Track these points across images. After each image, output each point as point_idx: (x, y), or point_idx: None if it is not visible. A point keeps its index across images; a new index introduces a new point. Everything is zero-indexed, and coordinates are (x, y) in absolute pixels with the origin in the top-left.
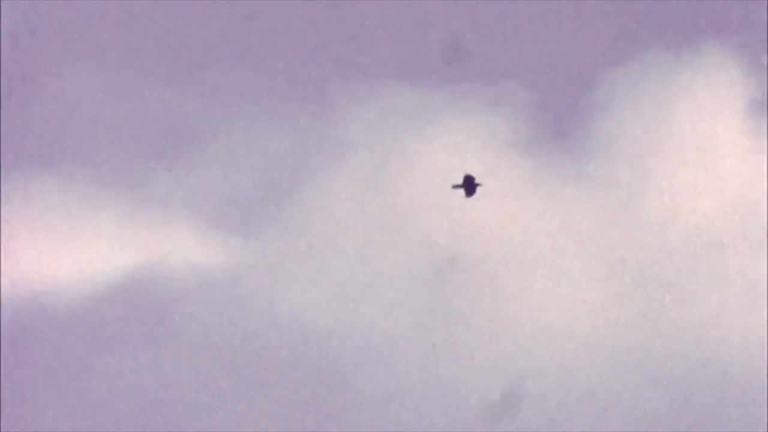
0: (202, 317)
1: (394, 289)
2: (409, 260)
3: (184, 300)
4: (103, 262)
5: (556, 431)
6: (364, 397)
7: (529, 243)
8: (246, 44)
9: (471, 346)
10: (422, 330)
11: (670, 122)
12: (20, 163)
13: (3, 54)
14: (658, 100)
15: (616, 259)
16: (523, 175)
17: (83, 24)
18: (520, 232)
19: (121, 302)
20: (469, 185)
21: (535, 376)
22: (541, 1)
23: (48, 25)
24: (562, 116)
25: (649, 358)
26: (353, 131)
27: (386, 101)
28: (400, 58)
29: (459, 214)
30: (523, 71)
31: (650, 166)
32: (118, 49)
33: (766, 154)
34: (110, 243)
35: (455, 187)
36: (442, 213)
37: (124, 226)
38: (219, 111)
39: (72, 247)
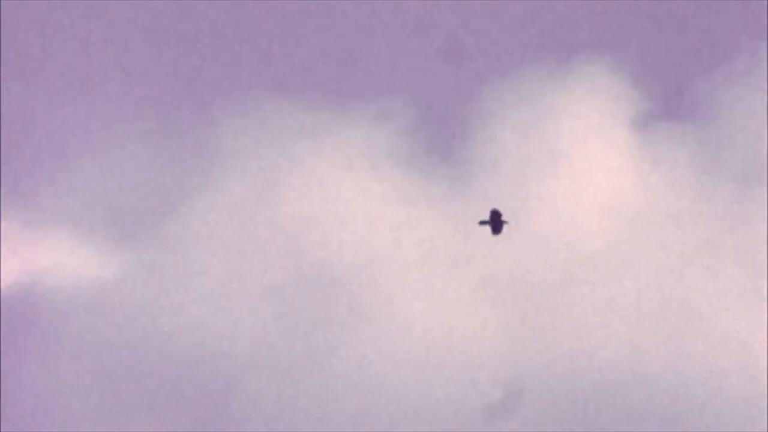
0: (80, 328)
1: (271, 301)
2: (287, 272)
3: (61, 311)
4: None
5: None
6: (239, 401)
7: (412, 257)
8: (127, 56)
9: (342, 354)
10: (298, 339)
11: (553, 137)
12: None
13: None
14: (540, 115)
15: (492, 275)
16: (404, 190)
17: None
18: (404, 246)
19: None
20: (496, 222)
21: (398, 385)
22: (424, 19)
23: None
24: (444, 132)
25: (519, 371)
26: (235, 145)
27: (269, 116)
28: (283, 73)
29: (338, 228)
30: (405, 88)
31: (532, 180)
32: None
33: (648, 168)
34: None
35: (482, 223)
36: (320, 226)
37: (4, 238)
38: (101, 124)
39: None
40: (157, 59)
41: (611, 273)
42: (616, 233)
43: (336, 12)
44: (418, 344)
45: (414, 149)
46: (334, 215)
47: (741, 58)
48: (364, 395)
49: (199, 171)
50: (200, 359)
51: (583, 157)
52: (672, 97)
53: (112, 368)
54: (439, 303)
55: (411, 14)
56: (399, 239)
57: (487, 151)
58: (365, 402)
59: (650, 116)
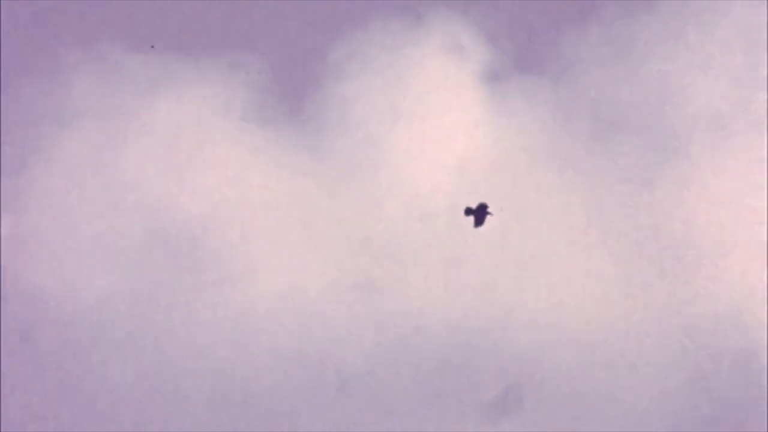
0: None
1: (125, 260)
2: (140, 229)
3: None
4: None
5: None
6: (85, 365)
7: (260, 214)
8: None
9: (209, 315)
10: (158, 299)
11: (403, 91)
12: None
13: None
14: (391, 69)
15: (345, 231)
16: (255, 146)
17: None
18: (252, 203)
19: None
20: (480, 215)
21: (247, 340)
22: None
23: None
24: (295, 86)
25: (363, 325)
26: (83, 97)
27: (116, 68)
28: (130, 24)
29: (191, 183)
30: (257, 41)
31: (382, 134)
32: None
33: (500, 123)
34: None
35: (468, 212)
36: (172, 182)
37: None
38: None
39: None
40: None
41: (461, 229)
42: (467, 188)
43: None
44: (267, 299)
45: (264, 103)
46: (183, 169)
47: (593, 13)
48: (211, 351)
49: (46, 124)
50: (43, 323)
51: (434, 111)
52: (524, 51)
53: None
54: (286, 258)
55: None
56: (247, 194)
57: (337, 105)
58: (211, 359)
59: (502, 71)
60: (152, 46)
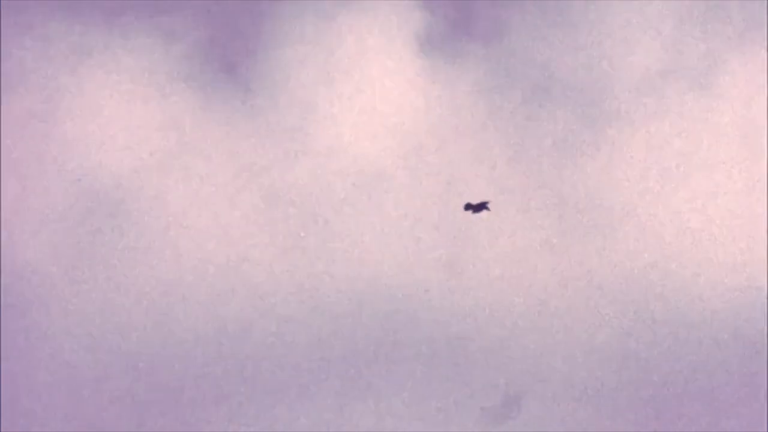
0: None
1: (57, 221)
2: (72, 191)
3: None
4: None
5: None
6: (14, 327)
7: (193, 177)
8: None
9: (127, 279)
10: (89, 258)
11: (338, 55)
12: None
13: None
14: (326, 33)
15: (280, 192)
16: (192, 108)
17: None
18: (185, 166)
19: None
20: (478, 210)
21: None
22: None
23: None
24: (230, 52)
25: (299, 289)
26: (14, 63)
27: (51, 33)
28: None
29: (123, 146)
30: (193, 7)
31: (317, 98)
32: None
33: (434, 87)
34: None
35: (467, 208)
36: (101, 147)
37: None
38: None
39: None
40: None
41: (396, 193)
42: (401, 153)
43: None
44: (196, 259)
45: (199, 68)
46: (116, 135)
47: None
48: (141, 309)
49: None
50: None
51: (369, 75)
52: (459, 16)
53: None
54: (218, 219)
55: None
56: (180, 156)
57: (272, 69)
58: (139, 317)
59: (437, 35)
60: (85, 14)
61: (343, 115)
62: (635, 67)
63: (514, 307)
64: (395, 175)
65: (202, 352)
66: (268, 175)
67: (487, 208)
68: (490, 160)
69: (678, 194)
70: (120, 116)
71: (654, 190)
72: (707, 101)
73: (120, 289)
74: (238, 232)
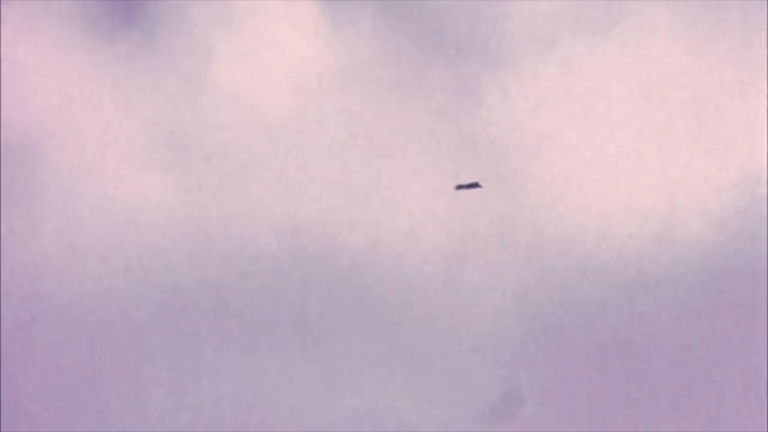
0: None
1: None
2: None
3: None
4: None
5: None
6: None
7: (87, 121)
8: None
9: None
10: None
11: (237, 1)
12: None
13: None
14: None
15: (179, 137)
16: (89, 53)
17: None
18: (83, 113)
19: None
20: (473, 186)
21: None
22: None
23: None
24: None
25: (190, 236)
26: None
27: None
28: None
29: (18, 94)
30: None
31: (214, 43)
32: None
33: (332, 33)
34: None
35: (459, 188)
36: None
37: None
38: None
39: None
40: None
41: (295, 140)
42: (301, 99)
43: None
44: (94, 207)
45: (95, 12)
46: (17, 83)
47: None
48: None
49: None
50: None
51: (268, 20)
52: None
53: None
54: (121, 167)
55: None
56: (79, 106)
57: (169, 14)
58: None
59: None
60: None
61: (243, 61)
62: (526, 13)
63: (422, 254)
64: (295, 122)
65: (109, 297)
66: (167, 121)
67: (479, 186)
68: (386, 108)
69: (570, 136)
70: (12, 64)
71: (546, 132)
72: (605, 46)
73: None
74: (137, 179)
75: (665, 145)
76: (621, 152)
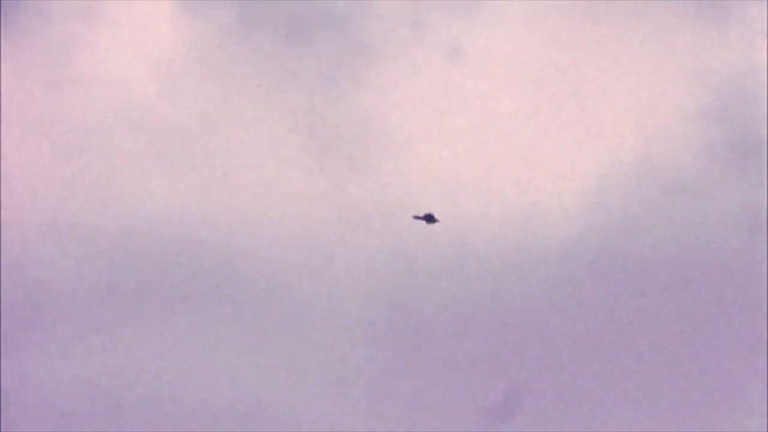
0: None
1: None
2: None
3: None
4: None
5: None
6: None
7: None
8: None
9: None
10: None
11: None
12: None
13: None
14: None
15: (44, 121)
16: None
17: None
18: None
19: None
20: (429, 220)
21: None
22: None
23: None
24: None
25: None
26: None
27: None
28: None
29: None
30: None
31: (80, 32)
32: None
33: (192, 21)
34: None
35: (416, 218)
36: None
37: None
38: None
39: None
40: None
41: (156, 121)
42: (161, 82)
43: None
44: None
45: None
46: None
47: None
48: None
49: None
50: None
51: (129, 5)
52: None
53: None
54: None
55: None
56: None
57: (34, 7)
58: None
59: None
60: None
61: (105, 44)
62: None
63: (281, 236)
64: (155, 105)
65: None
66: (31, 105)
67: (435, 220)
68: (251, 93)
69: (435, 120)
70: None
71: (414, 116)
72: (469, 29)
73: None
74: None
75: (531, 132)
76: (487, 139)
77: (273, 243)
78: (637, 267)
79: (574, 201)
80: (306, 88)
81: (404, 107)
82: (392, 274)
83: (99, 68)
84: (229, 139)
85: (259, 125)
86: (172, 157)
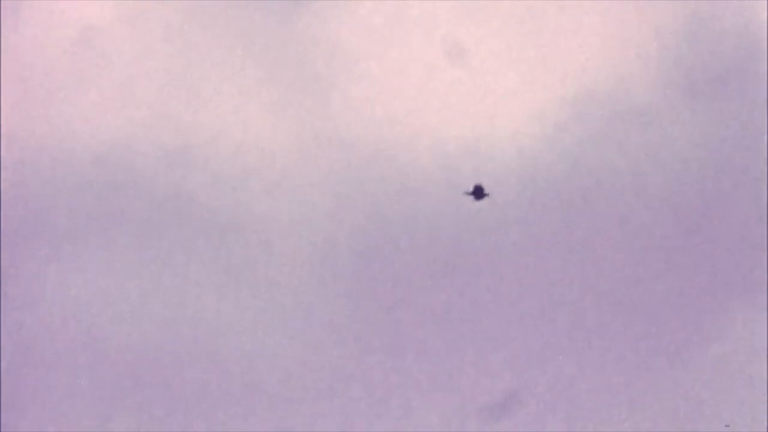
0: None
1: None
2: None
3: None
4: None
5: None
6: None
7: None
8: None
9: None
10: None
11: None
12: None
13: None
14: None
15: None
16: None
17: None
18: None
19: None
20: (478, 194)
21: None
22: None
23: None
24: None
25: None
26: None
27: None
28: None
29: None
30: None
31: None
32: None
33: None
34: None
35: (466, 194)
36: None
37: None
38: None
39: None
40: None
41: (111, 43)
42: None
43: None
44: None
45: None
46: None
47: None
48: None
49: None
50: None
51: None
52: None
53: None
54: None
55: None
56: None
57: None
58: None
59: None
60: None
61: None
62: None
63: (232, 157)
64: (114, 33)
65: None
66: None
67: (485, 195)
68: (210, 25)
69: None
70: None
71: (367, 46)
72: None
73: None
74: None
75: (487, 62)
76: (446, 67)
77: (235, 171)
78: (597, 198)
79: (533, 128)
80: (265, 11)
81: (367, 31)
82: (338, 196)
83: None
84: (182, 55)
85: (213, 39)
86: (121, 77)
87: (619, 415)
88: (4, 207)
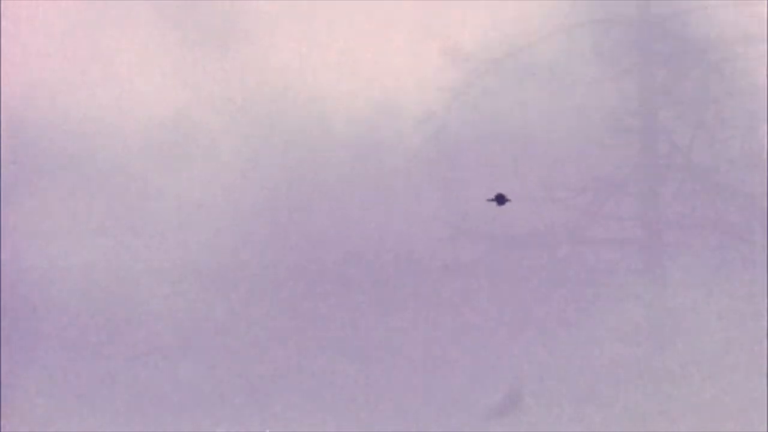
0: None
1: None
2: None
3: None
4: None
5: None
6: None
7: None
8: None
9: None
10: None
11: None
12: None
13: None
14: None
15: None
16: None
17: None
18: None
19: None
20: (501, 201)
21: None
22: None
23: None
24: None
25: None
26: None
27: None
28: None
29: None
30: None
31: None
32: None
33: None
34: None
35: (489, 200)
36: None
37: None
38: None
39: None
40: None
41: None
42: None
43: None
44: None
45: None
46: None
47: None
48: None
49: None
50: None
51: None
52: None
53: None
54: None
55: None
56: None
57: None
58: None
59: None
60: None
61: None
62: None
63: (142, 121)
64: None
65: None
66: None
67: (506, 200)
68: None
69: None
70: None
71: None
72: None
73: None
74: None
75: (395, 14)
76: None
77: (142, 130)
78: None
79: (441, 80)
80: None
81: None
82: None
83: None
84: (96, 22)
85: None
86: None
87: (619, 415)
88: None
